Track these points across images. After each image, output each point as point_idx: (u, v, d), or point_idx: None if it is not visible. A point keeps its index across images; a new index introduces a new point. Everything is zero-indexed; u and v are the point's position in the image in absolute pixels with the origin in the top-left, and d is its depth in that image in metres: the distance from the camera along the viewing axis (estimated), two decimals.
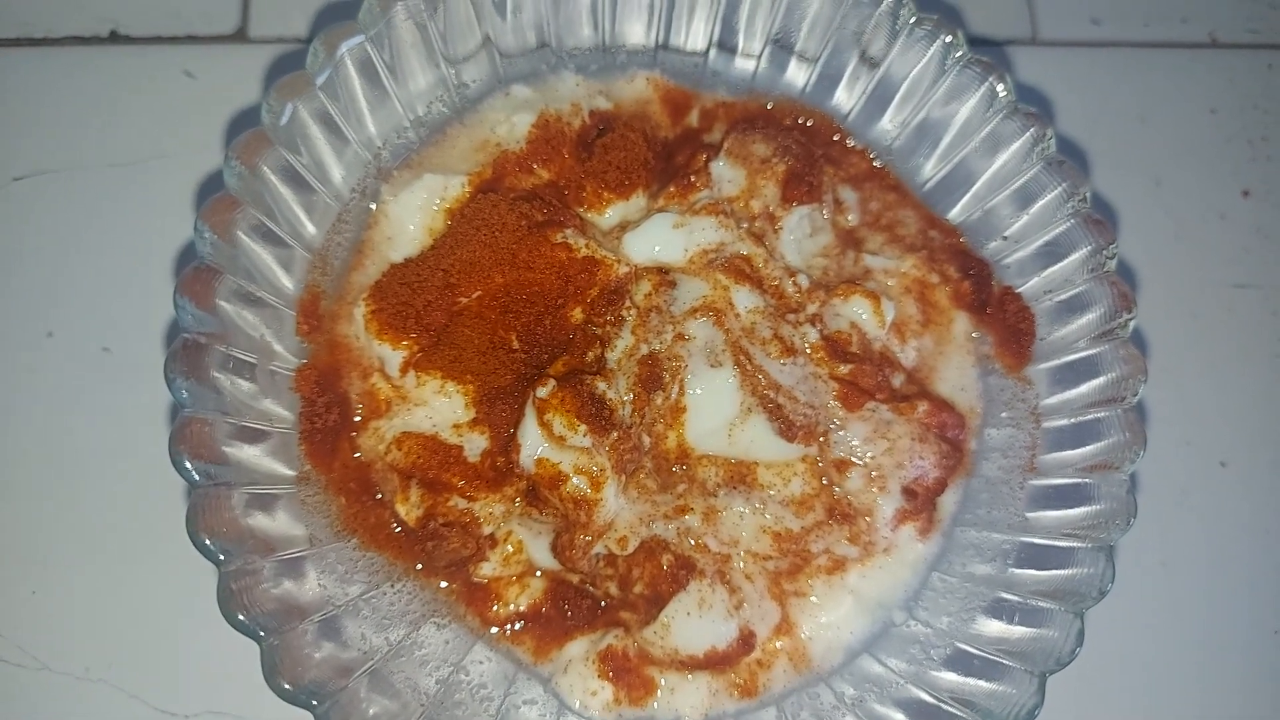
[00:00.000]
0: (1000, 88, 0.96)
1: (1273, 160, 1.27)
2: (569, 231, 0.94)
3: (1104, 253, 0.92)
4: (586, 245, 0.94)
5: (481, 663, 0.90)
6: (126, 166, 1.15)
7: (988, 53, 1.23)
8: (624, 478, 0.91)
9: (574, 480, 0.88)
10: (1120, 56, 1.29)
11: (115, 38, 1.19)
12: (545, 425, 0.89)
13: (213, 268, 0.83)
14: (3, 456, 1.04)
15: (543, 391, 0.89)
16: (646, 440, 0.92)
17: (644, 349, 0.93)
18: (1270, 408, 1.17)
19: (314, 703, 0.75)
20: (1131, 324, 0.90)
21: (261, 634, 0.75)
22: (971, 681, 0.85)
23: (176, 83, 1.18)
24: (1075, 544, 0.86)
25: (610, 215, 1.00)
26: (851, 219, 1.03)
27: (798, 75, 1.06)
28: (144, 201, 1.14)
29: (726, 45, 1.07)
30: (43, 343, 1.08)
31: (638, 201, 1.00)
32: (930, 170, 1.03)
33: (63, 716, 0.98)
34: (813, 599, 0.93)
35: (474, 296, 0.93)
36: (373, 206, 0.97)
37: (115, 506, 1.03)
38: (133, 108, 1.17)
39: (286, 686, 0.75)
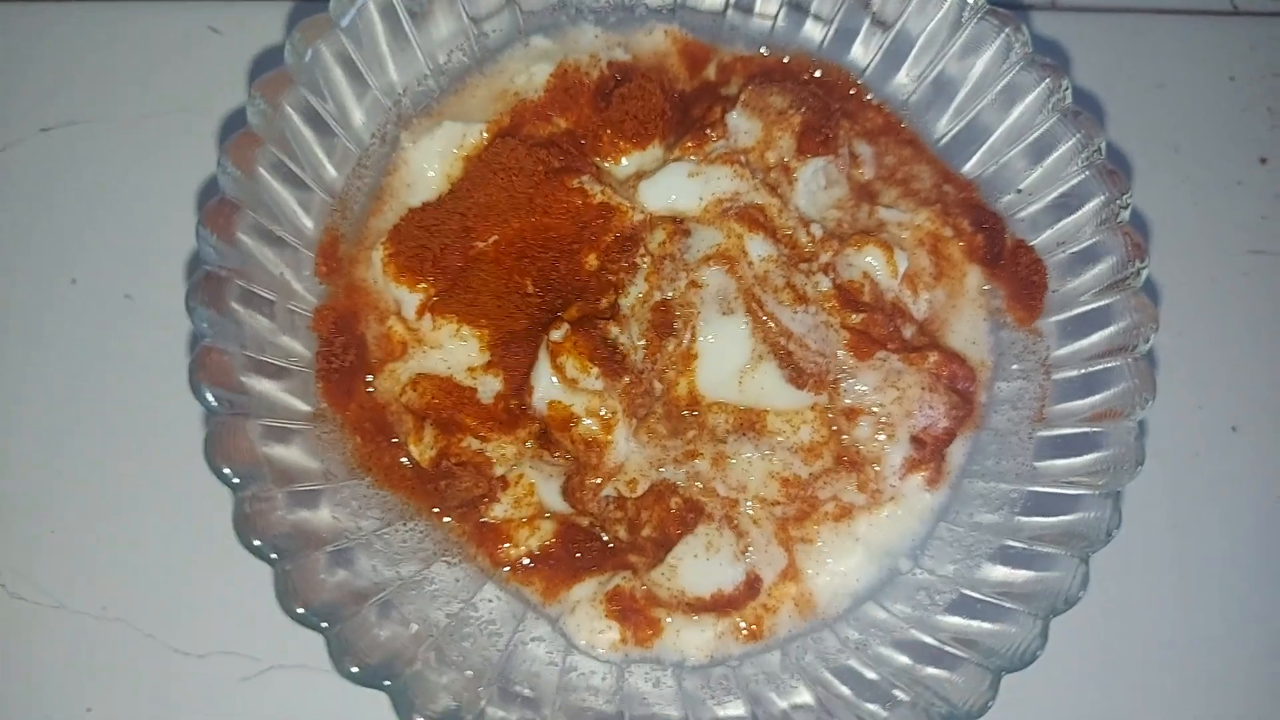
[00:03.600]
0: (1017, 39, 0.96)
1: None
2: (585, 178, 0.95)
3: (1117, 203, 0.92)
4: (602, 191, 0.95)
5: (491, 601, 0.91)
6: (151, 119, 1.16)
7: None
8: (635, 422, 0.92)
9: (585, 422, 0.90)
10: (1140, 22, 1.29)
11: None
12: (558, 368, 0.90)
13: (235, 202, 0.85)
14: (25, 399, 1.06)
15: (556, 335, 0.91)
16: (658, 386, 0.93)
17: (657, 295, 0.94)
18: None
19: (324, 624, 0.76)
20: (1144, 273, 0.90)
21: (274, 557, 0.77)
22: (975, 624, 0.86)
23: (203, 38, 1.19)
24: (1082, 490, 0.87)
25: (626, 164, 1.00)
26: (866, 172, 1.04)
27: (815, 31, 1.06)
28: (167, 154, 1.15)
29: (742, 4, 1.08)
30: (66, 289, 1.10)
31: (654, 152, 1.01)
32: (946, 125, 1.04)
33: (79, 654, 1.00)
34: (820, 545, 0.94)
35: (490, 241, 0.95)
36: (393, 153, 0.99)
37: (134, 449, 1.05)
38: (159, 62, 1.18)
39: (299, 610, 0.77)
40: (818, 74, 1.06)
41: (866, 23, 1.04)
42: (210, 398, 0.79)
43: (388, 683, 0.77)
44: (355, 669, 0.77)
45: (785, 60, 1.07)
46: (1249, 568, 1.10)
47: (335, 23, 0.91)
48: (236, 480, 0.78)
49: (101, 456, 1.05)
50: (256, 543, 0.77)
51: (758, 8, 1.07)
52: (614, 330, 0.92)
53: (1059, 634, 0.84)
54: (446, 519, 0.93)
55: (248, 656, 1.01)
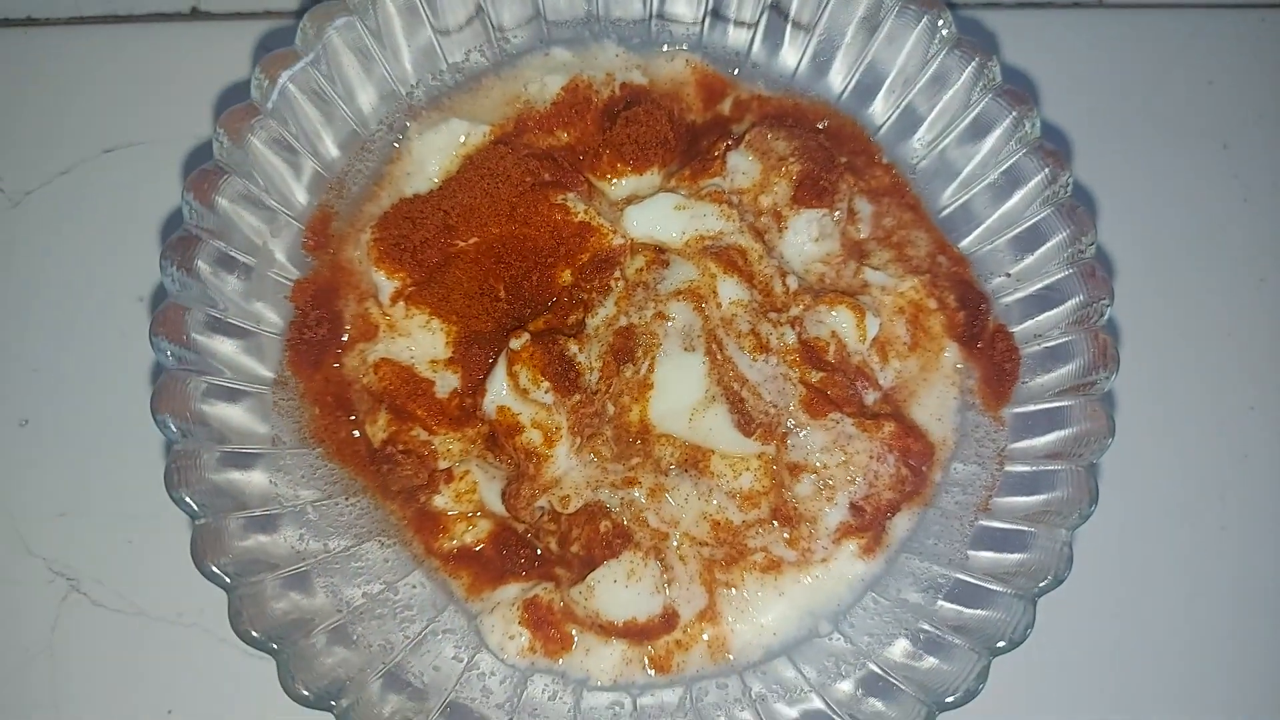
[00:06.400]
0: (1027, 122, 0.94)
1: None
2: (571, 195, 0.96)
3: (1097, 304, 0.90)
4: (585, 211, 0.96)
5: (415, 587, 0.93)
6: (208, 139, 1.17)
7: (1054, 14, 1.24)
8: (580, 440, 0.93)
9: (529, 433, 0.91)
10: (1189, 18, 1.26)
11: (196, 14, 1.23)
12: (513, 376, 0.92)
13: (223, 168, 0.89)
14: (100, 414, 1.08)
15: (516, 344, 0.92)
16: (610, 408, 0.94)
17: (623, 320, 0.95)
18: None
19: (228, 582, 0.80)
20: (1109, 381, 0.88)
21: (195, 510, 0.80)
22: (870, 701, 0.86)
23: (255, 57, 1.20)
24: (1000, 588, 0.85)
25: (622, 186, 1.01)
26: (862, 230, 1.03)
27: (837, 79, 1.05)
28: None
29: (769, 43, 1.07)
30: (135, 309, 1.12)
31: (651, 178, 1.02)
32: (950, 196, 1.02)
33: (158, 658, 1.03)
34: (744, 594, 0.94)
35: (470, 242, 0.97)
36: (398, 141, 1.01)
37: None
38: (214, 81, 1.19)
39: (211, 568, 0.80)
40: (831, 124, 1.05)
41: (889, 79, 1.03)
42: (168, 354, 0.83)
43: (276, 648, 0.80)
44: (254, 633, 0.80)
45: (803, 105, 1.06)
46: None
47: (349, 8, 0.93)
48: (175, 431, 0.82)
49: None
50: (183, 496, 0.81)
51: (784, 49, 1.06)
52: (573, 348, 0.93)
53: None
54: (390, 501, 0.95)
55: None
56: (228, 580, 0.80)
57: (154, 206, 1.15)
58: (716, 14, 1.07)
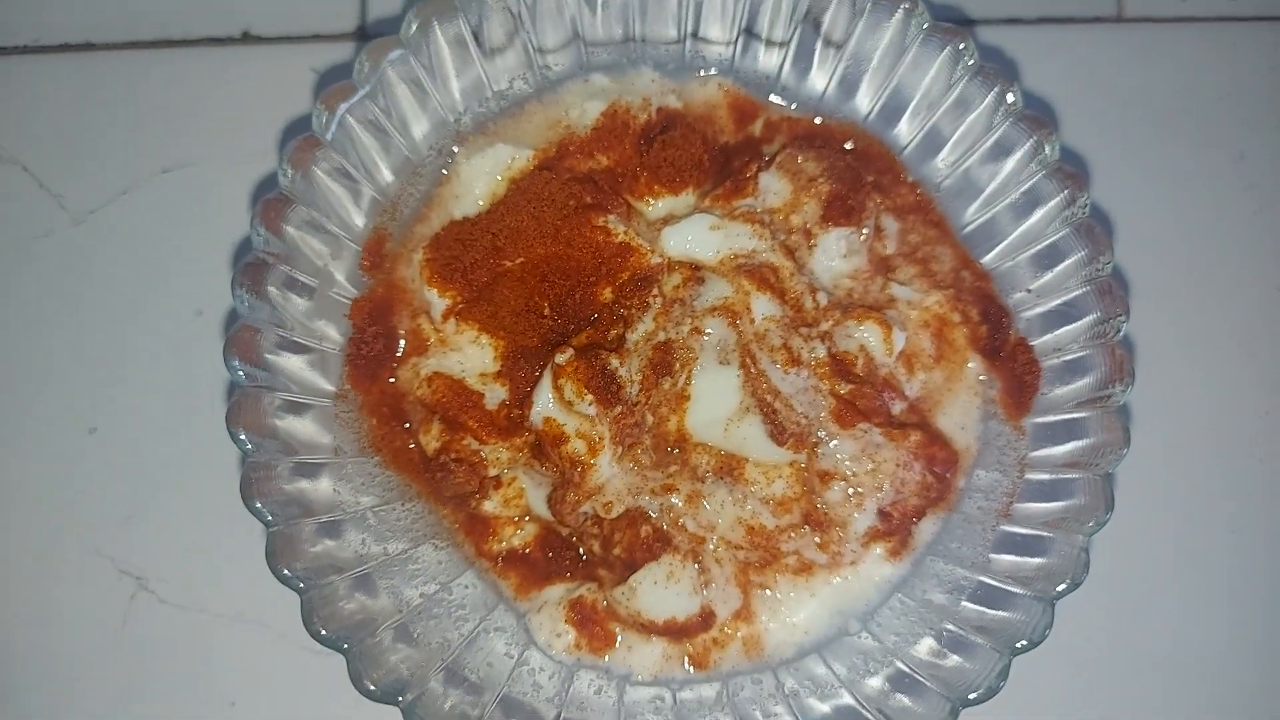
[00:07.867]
0: (1046, 146, 0.99)
1: None
2: (612, 218, 1.02)
3: (1110, 322, 0.94)
4: (625, 233, 1.01)
5: (467, 588, 0.99)
6: (260, 159, 1.21)
7: (1073, 31, 1.28)
8: (621, 449, 0.99)
9: (574, 442, 0.97)
10: (1206, 31, 1.29)
11: (247, 38, 1.27)
12: (558, 389, 0.97)
13: (289, 197, 0.94)
14: (162, 426, 1.13)
15: (561, 358, 0.98)
16: (649, 419, 0.99)
17: (661, 336, 1.00)
18: None
19: (301, 586, 0.86)
20: (1125, 394, 0.93)
21: (270, 519, 0.86)
22: (897, 696, 0.91)
23: (304, 79, 1.25)
24: (1021, 590, 0.91)
25: (659, 207, 1.07)
26: (888, 247, 1.07)
27: (864, 101, 1.10)
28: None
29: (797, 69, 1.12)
30: (193, 321, 1.16)
31: (687, 199, 1.07)
32: (973, 214, 1.06)
33: (220, 653, 1.08)
34: (776, 594, 0.99)
35: (517, 262, 1.02)
36: (444, 169, 1.07)
37: None
38: (265, 103, 1.23)
39: (285, 572, 0.86)
40: (858, 144, 1.10)
41: (914, 101, 1.08)
42: (240, 372, 0.89)
43: (346, 646, 0.86)
44: (325, 633, 0.86)
45: (831, 126, 1.11)
46: None
47: (404, 44, 0.99)
48: (250, 445, 0.88)
49: (234, 478, 1.00)
50: (257, 505, 0.87)
51: (812, 72, 1.11)
52: (614, 362, 0.99)
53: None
54: (443, 506, 1.01)
55: None
56: (301, 584, 0.86)
57: (212, 224, 1.20)
58: (749, 33, 1.11)
